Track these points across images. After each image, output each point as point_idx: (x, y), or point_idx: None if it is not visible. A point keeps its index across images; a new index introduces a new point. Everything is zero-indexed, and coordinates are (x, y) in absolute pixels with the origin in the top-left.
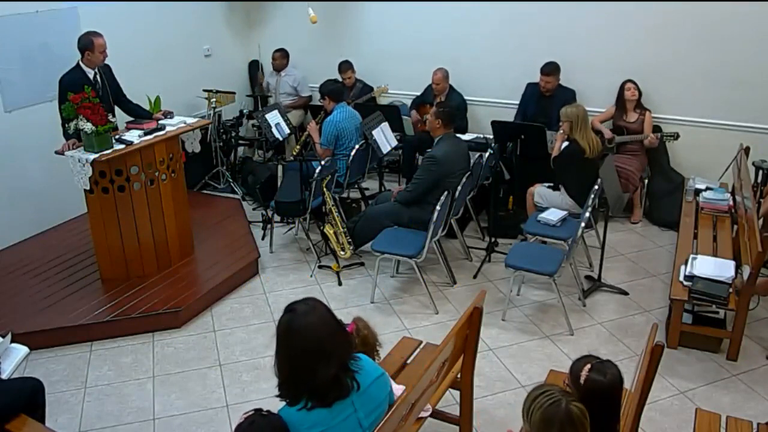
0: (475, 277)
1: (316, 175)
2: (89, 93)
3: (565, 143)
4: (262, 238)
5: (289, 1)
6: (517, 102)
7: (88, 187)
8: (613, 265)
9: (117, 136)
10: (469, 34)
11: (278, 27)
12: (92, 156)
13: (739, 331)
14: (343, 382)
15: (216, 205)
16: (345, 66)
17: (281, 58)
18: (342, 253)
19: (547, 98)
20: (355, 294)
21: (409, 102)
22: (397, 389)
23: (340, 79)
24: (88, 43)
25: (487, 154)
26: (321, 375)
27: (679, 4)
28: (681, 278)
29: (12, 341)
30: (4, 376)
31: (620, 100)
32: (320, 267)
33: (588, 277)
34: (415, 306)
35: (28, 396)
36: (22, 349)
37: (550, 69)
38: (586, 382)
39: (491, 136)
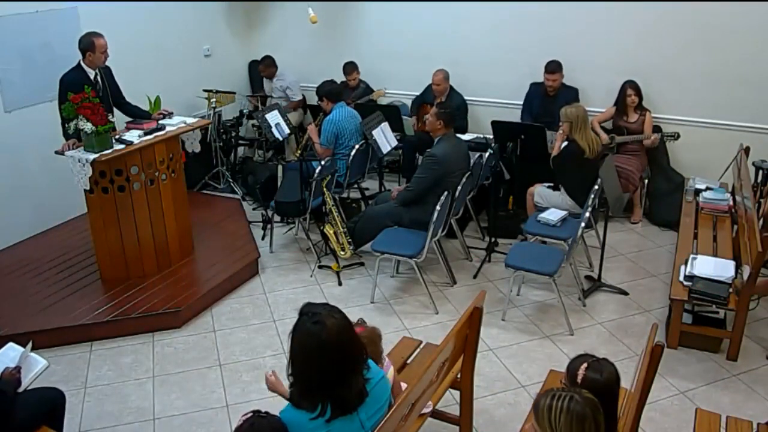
0: (475, 277)
1: (316, 175)
2: (89, 93)
3: (565, 143)
4: (262, 238)
5: (289, 1)
6: (517, 102)
7: (88, 187)
8: (613, 265)
9: (117, 136)
10: (469, 34)
11: (278, 27)
12: (92, 156)
13: (739, 331)
14: (364, 389)
15: (216, 205)
16: (350, 67)
17: (268, 67)
18: (342, 253)
19: (550, 97)
20: (355, 294)
21: (409, 102)
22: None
23: (345, 80)
24: (89, 45)
25: (487, 154)
26: (353, 384)
27: (679, 4)
28: (681, 278)
29: (12, 343)
30: (21, 389)
31: (621, 102)
32: (320, 267)
33: (588, 277)
34: (415, 306)
35: (48, 409)
36: (41, 362)
37: (554, 67)
38: (583, 381)
39: (491, 136)
